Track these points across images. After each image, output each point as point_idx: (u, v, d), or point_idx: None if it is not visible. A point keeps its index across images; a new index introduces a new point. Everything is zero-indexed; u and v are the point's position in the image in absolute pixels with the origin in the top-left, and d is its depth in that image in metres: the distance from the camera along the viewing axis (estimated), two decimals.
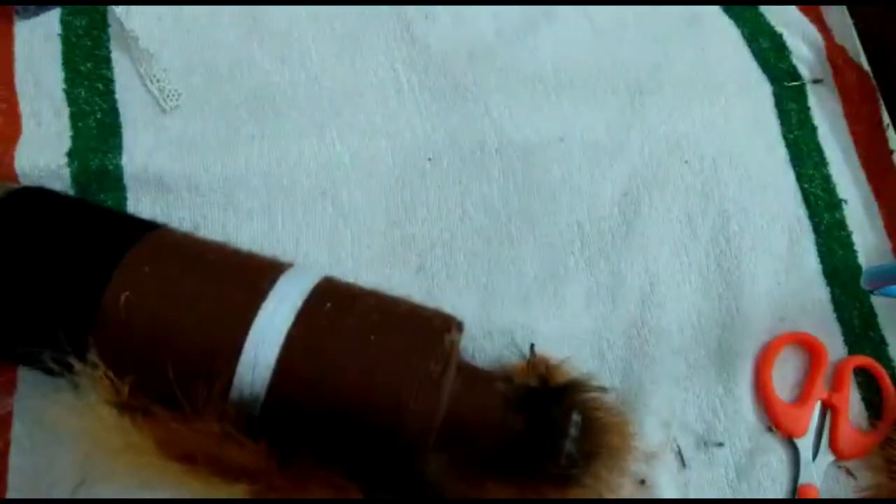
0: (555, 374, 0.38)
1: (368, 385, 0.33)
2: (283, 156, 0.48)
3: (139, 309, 0.33)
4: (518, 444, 0.35)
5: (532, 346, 0.43)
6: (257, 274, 0.36)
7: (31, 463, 0.39)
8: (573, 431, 0.35)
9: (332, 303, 0.35)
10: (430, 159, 0.49)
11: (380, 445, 0.33)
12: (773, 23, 0.55)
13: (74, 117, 0.47)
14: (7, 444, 0.40)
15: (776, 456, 0.44)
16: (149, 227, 0.37)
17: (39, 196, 0.38)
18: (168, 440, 0.31)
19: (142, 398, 0.32)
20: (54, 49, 0.49)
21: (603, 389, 0.38)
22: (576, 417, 0.36)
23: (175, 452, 0.31)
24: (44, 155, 0.45)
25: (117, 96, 0.48)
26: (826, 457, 0.44)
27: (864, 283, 0.47)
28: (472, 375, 0.37)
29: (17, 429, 0.40)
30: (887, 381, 0.45)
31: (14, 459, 0.39)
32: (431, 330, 0.36)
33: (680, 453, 0.43)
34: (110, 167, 0.46)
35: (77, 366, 0.32)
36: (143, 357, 0.33)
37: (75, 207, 0.38)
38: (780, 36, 0.55)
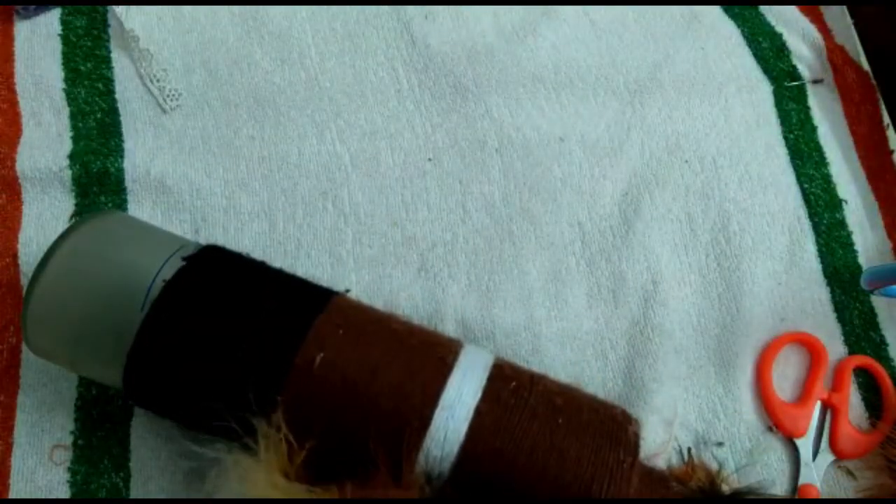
0: (716, 479, 0.39)
1: (558, 468, 0.33)
2: (283, 156, 0.48)
3: (333, 370, 0.33)
4: None
5: (689, 449, 0.43)
6: (441, 347, 0.36)
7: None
8: None
9: (517, 381, 0.35)
10: (430, 159, 0.49)
11: None
12: (773, 23, 0.56)
13: (74, 117, 0.47)
14: (9, 447, 0.40)
15: (776, 456, 0.44)
16: (329, 292, 0.37)
17: (222, 256, 0.38)
18: None
19: (307, 472, 0.32)
20: (54, 49, 0.49)
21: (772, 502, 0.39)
22: None
23: None
24: (45, 156, 0.45)
25: (117, 96, 0.48)
26: (826, 457, 0.44)
27: (864, 283, 0.47)
28: (649, 473, 0.37)
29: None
30: (887, 381, 0.45)
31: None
32: (617, 420, 0.35)
33: (681, 452, 0.43)
34: (112, 170, 0.46)
35: (260, 427, 0.32)
36: (329, 420, 0.33)
37: (255, 268, 0.38)
38: (780, 36, 0.55)
